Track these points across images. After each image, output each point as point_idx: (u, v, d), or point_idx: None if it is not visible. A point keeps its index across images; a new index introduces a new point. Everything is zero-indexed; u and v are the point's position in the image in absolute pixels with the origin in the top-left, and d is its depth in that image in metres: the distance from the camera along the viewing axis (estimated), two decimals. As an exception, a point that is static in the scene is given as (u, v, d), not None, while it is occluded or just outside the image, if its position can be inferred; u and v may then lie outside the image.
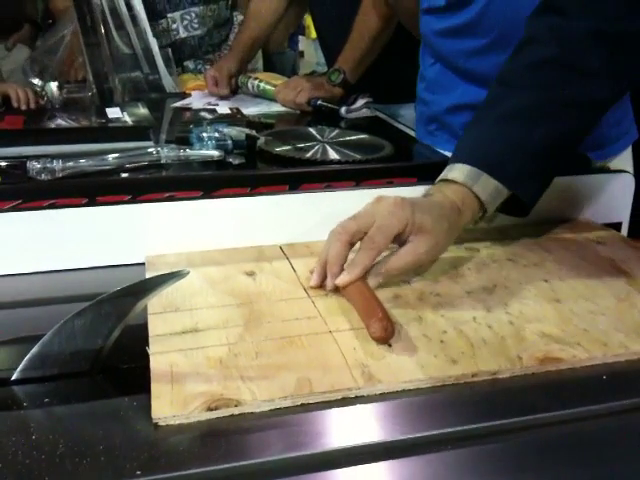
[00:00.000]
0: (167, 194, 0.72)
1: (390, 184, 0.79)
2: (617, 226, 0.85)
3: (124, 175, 0.83)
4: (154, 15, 1.61)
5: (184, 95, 1.63)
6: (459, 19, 1.11)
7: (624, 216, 0.85)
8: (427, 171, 0.84)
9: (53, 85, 1.49)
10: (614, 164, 1.24)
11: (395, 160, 1.11)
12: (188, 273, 0.52)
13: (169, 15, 1.72)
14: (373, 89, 1.51)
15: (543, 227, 0.80)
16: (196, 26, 1.78)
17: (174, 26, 1.73)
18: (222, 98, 1.60)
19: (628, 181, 0.84)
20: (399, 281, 0.65)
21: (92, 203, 0.68)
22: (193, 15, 1.76)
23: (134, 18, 1.59)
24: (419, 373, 0.50)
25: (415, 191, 0.78)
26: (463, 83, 1.18)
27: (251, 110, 1.50)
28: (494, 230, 0.79)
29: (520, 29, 1.06)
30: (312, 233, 0.73)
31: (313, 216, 0.75)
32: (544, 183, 0.72)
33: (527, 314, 0.59)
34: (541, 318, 0.58)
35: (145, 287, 0.51)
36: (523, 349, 0.53)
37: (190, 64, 1.80)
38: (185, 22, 1.75)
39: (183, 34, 1.77)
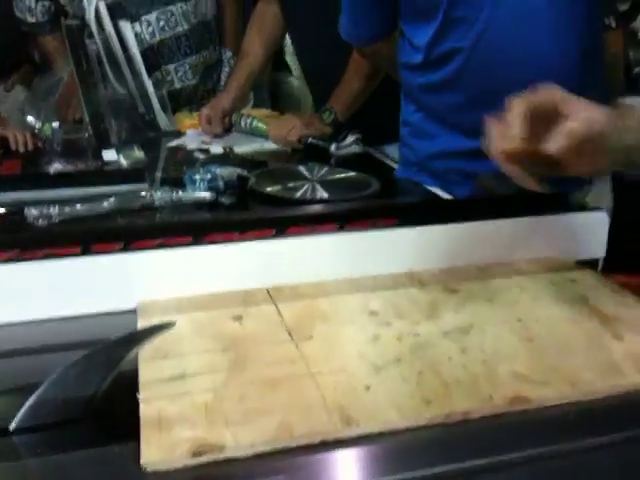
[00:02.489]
0: (158, 241, 0.75)
1: (374, 226, 0.82)
2: (594, 262, 0.88)
3: (117, 222, 0.87)
4: (148, 67, 1.66)
5: (179, 134, 1.67)
6: (437, 76, 1.15)
7: (600, 252, 0.88)
8: (410, 211, 0.88)
9: (51, 126, 1.54)
10: (594, 191, 1.28)
11: (382, 197, 1.16)
12: (174, 324, 0.55)
13: (163, 67, 1.77)
14: (363, 128, 1.55)
15: (522, 265, 0.83)
16: (190, 76, 1.83)
17: (168, 78, 1.78)
18: (216, 136, 1.64)
19: (603, 219, 0.87)
20: (379, 322, 0.68)
21: (86, 252, 0.72)
22: (187, 66, 1.81)
23: (129, 59, 1.64)
24: (395, 415, 0.53)
25: (396, 232, 0.82)
26: (447, 132, 1.21)
27: (244, 148, 1.55)
28: (475, 269, 0.82)
29: (501, 85, 1.10)
30: (299, 276, 0.76)
31: (300, 259, 0.78)
32: None
33: (500, 354, 0.62)
34: (513, 357, 0.61)
35: (135, 338, 0.54)
36: (494, 389, 0.56)
37: (186, 111, 1.85)
38: (179, 73, 1.81)
39: (178, 85, 1.82)
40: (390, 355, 0.62)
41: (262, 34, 1.68)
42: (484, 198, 0.95)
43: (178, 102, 1.85)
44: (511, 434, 0.52)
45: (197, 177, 1.12)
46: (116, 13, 1.64)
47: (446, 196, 1.20)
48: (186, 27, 1.79)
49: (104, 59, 1.61)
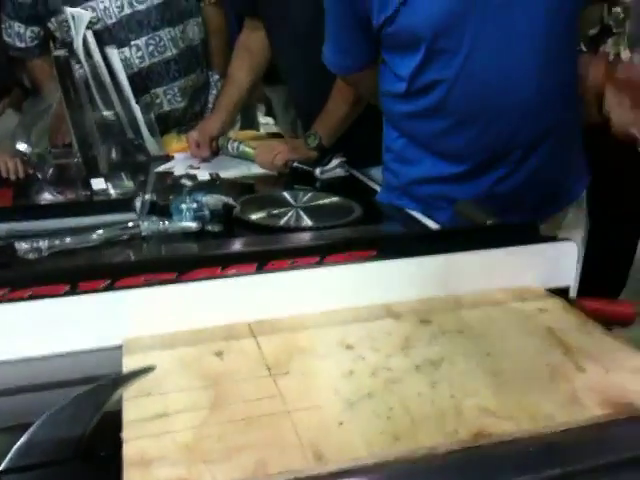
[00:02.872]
0: (143, 277, 0.78)
1: (353, 258, 0.86)
2: (565, 290, 0.91)
3: (103, 259, 0.90)
4: (137, 91, 1.69)
5: (167, 158, 1.71)
6: (420, 104, 1.19)
7: (570, 280, 0.91)
8: (388, 243, 0.92)
9: (41, 152, 1.57)
10: (571, 211, 1.32)
11: (363, 223, 1.19)
12: (155, 368, 0.58)
13: (152, 91, 1.81)
14: (349, 151, 1.59)
15: (494, 295, 0.87)
16: (179, 99, 1.87)
17: (157, 101, 1.82)
18: (204, 160, 1.68)
19: (572, 249, 0.91)
20: (355, 357, 0.71)
21: (73, 289, 0.75)
22: (176, 89, 1.85)
23: (117, 85, 1.67)
24: (364, 451, 0.56)
25: (374, 265, 0.86)
26: (431, 157, 1.25)
27: (231, 172, 1.58)
28: (449, 299, 0.85)
29: (482, 112, 1.14)
30: (280, 309, 0.80)
31: (280, 293, 0.81)
32: None
33: (467, 388, 0.65)
34: (480, 392, 0.65)
35: (118, 382, 0.57)
36: (460, 424, 0.59)
37: (174, 132, 1.88)
38: (168, 96, 1.84)
39: (167, 107, 1.85)
40: (363, 390, 0.65)
41: (248, 60, 1.72)
42: (458, 230, 0.98)
43: (167, 124, 1.89)
44: (476, 468, 0.55)
45: (183, 206, 1.15)
46: (103, 40, 1.68)
47: (427, 220, 1.23)
48: (175, 51, 1.83)
49: (92, 85, 1.64)
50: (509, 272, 0.89)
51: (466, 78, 1.13)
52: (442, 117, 1.20)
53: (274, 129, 2.88)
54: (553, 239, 0.92)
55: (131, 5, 1.74)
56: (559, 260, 0.91)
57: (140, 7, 1.76)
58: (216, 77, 2.01)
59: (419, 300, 0.85)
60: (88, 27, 1.62)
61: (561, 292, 0.90)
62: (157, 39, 1.80)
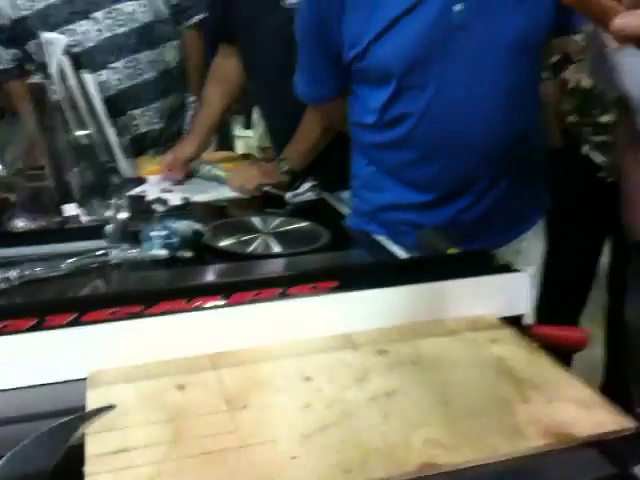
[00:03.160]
0: (110, 310, 0.81)
1: (315, 289, 0.89)
2: (518, 318, 0.95)
3: (70, 292, 0.92)
4: (115, 112, 1.72)
5: (141, 181, 1.73)
6: (389, 136, 1.23)
7: (524, 309, 0.95)
8: (349, 274, 0.95)
9: (15, 175, 1.59)
10: (530, 236, 1.37)
11: (331, 249, 1.23)
12: (115, 407, 0.61)
13: (130, 112, 1.84)
14: (321, 174, 1.63)
15: (450, 325, 0.90)
16: (157, 120, 1.90)
17: (135, 122, 1.85)
18: (177, 183, 1.70)
19: (525, 279, 0.95)
20: (312, 389, 0.74)
21: (40, 323, 0.77)
22: (153, 111, 1.88)
23: (92, 110, 1.70)
24: (315, 485, 0.59)
25: (335, 297, 0.89)
26: (398, 186, 1.29)
27: (204, 196, 1.61)
28: (407, 329, 0.89)
29: (449, 144, 1.19)
30: (242, 341, 0.83)
31: (244, 325, 0.84)
32: None
33: (418, 419, 0.68)
34: (430, 423, 0.68)
35: (81, 420, 0.60)
36: (408, 456, 0.62)
37: (151, 152, 1.91)
38: (146, 118, 1.87)
39: (144, 128, 1.88)
40: (318, 424, 0.68)
41: (221, 85, 1.75)
42: (417, 261, 1.02)
43: (144, 145, 1.92)
44: (420, 499, 0.59)
45: (153, 234, 1.18)
46: (82, 63, 1.70)
47: (393, 246, 1.27)
48: (153, 74, 1.86)
49: (67, 109, 1.66)
50: (464, 302, 0.92)
51: (433, 113, 1.18)
52: (409, 149, 1.24)
53: (252, 142, 2.91)
54: (507, 269, 0.96)
55: (110, 29, 1.77)
56: (513, 290, 0.95)
57: (119, 31, 1.79)
58: (192, 99, 2.04)
59: (378, 330, 0.88)
60: (65, 51, 1.64)
61: (515, 320, 0.94)
62: (135, 62, 1.83)
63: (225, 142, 2.31)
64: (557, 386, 0.75)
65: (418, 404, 0.72)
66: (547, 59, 1.45)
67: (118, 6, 1.77)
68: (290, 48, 1.42)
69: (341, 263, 1.12)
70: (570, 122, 1.67)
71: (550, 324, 1.01)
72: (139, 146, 1.89)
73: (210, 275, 1.11)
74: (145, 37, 1.82)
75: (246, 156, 2.04)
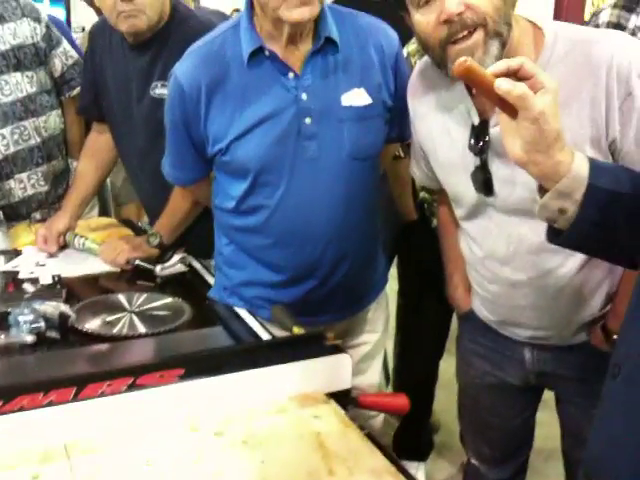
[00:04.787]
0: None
1: (160, 378, 1.01)
2: (345, 392, 1.12)
3: None
4: (2, 176, 1.78)
5: (15, 253, 1.78)
6: (247, 222, 1.39)
7: (346, 385, 1.12)
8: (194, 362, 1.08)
9: None
10: (374, 307, 1.55)
11: (192, 324, 1.35)
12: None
13: (16, 176, 1.90)
14: (190, 243, 1.75)
15: (282, 403, 1.05)
16: (42, 183, 1.96)
17: (21, 185, 1.91)
18: (51, 255, 1.77)
19: (347, 360, 1.11)
20: (152, 473, 0.86)
21: None
22: (39, 174, 1.94)
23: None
24: None
25: (180, 385, 1.02)
26: (255, 265, 1.44)
27: (76, 269, 1.69)
28: (243, 410, 1.03)
29: (299, 231, 1.35)
30: (94, 431, 0.94)
31: (96, 415, 0.95)
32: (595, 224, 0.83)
33: (237, 497, 0.82)
34: (247, 500, 0.82)
35: None
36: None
37: (37, 215, 1.97)
38: (32, 181, 1.94)
39: (30, 191, 1.94)
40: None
41: (94, 160, 1.85)
42: (257, 346, 1.18)
43: (30, 207, 1.97)
44: None
45: (20, 319, 1.26)
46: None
47: (251, 319, 1.41)
48: (38, 140, 1.93)
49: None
50: (297, 382, 1.08)
51: (285, 206, 1.35)
52: (265, 234, 1.40)
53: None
54: (335, 350, 1.13)
55: None
56: (339, 368, 1.11)
57: (6, 100, 1.85)
58: (75, 163, 2.12)
59: (220, 413, 1.01)
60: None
61: (342, 394, 1.11)
62: (22, 128, 1.90)
63: (105, 207, 2.38)
64: (360, 457, 0.92)
65: (240, 483, 0.85)
66: (389, 155, 1.63)
67: (5, 77, 1.85)
68: (157, 133, 1.54)
69: (191, 348, 1.24)
70: (422, 197, 1.89)
71: (374, 394, 1.19)
72: (25, 209, 1.95)
73: (70, 363, 1.20)
74: (30, 106, 1.90)
75: (125, 222, 2.11)
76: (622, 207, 0.83)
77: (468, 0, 1.04)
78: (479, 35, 1.05)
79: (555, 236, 0.87)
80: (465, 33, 1.05)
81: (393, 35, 1.40)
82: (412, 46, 1.75)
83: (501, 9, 1.06)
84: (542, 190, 0.85)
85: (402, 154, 1.77)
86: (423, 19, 1.08)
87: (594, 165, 0.83)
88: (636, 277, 0.83)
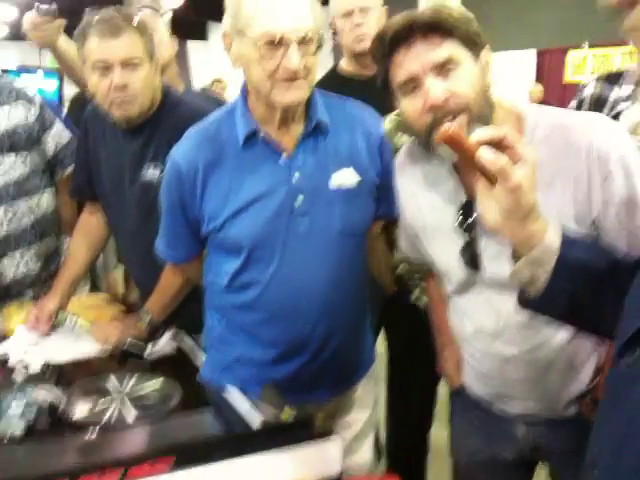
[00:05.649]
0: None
1: (151, 469, 1.01)
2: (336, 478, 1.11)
3: None
4: None
5: (4, 338, 1.78)
6: (240, 298, 1.41)
7: (336, 469, 1.11)
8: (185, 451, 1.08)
9: None
10: (362, 385, 1.55)
11: (183, 407, 1.34)
12: None
13: (9, 254, 1.91)
14: (182, 319, 1.75)
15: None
16: (35, 261, 1.98)
17: (14, 264, 1.93)
18: (43, 335, 1.78)
19: (337, 443, 1.11)
20: None
21: None
22: (32, 253, 1.96)
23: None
24: None
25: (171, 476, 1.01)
26: (247, 341, 1.45)
27: (67, 350, 1.69)
28: None
29: (291, 307, 1.37)
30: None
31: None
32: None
33: None
34: None
35: None
36: None
37: (30, 292, 1.98)
38: (25, 259, 1.95)
39: (23, 269, 1.96)
40: None
41: (86, 240, 1.88)
42: (245, 435, 1.17)
43: (23, 285, 1.98)
44: None
45: (10, 412, 1.26)
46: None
47: (242, 399, 1.41)
48: (31, 219, 1.96)
49: None
50: (286, 468, 1.08)
51: (277, 283, 1.38)
52: (257, 310, 1.42)
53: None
54: (325, 434, 1.13)
55: None
56: (329, 454, 1.11)
57: (0, 180, 1.89)
58: (67, 240, 2.14)
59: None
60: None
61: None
62: (15, 208, 1.92)
63: (96, 283, 2.39)
64: None
65: None
66: (375, 232, 1.67)
67: None
68: (149, 214, 1.57)
69: (181, 434, 1.24)
70: (401, 270, 1.91)
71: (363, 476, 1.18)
72: (18, 287, 1.96)
73: (60, 454, 1.19)
74: (23, 186, 1.93)
75: (115, 297, 2.12)
76: (591, 279, 0.86)
77: (451, 87, 1.08)
78: (463, 119, 1.09)
79: (525, 301, 0.90)
80: (450, 118, 1.09)
81: (378, 119, 1.47)
82: (388, 125, 1.78)
83: (481, 92, 1.11)
84: (515, 256, 0.88)
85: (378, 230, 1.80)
86: (410, 106, 1.13)
87: (566, 238, 0.86)
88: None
